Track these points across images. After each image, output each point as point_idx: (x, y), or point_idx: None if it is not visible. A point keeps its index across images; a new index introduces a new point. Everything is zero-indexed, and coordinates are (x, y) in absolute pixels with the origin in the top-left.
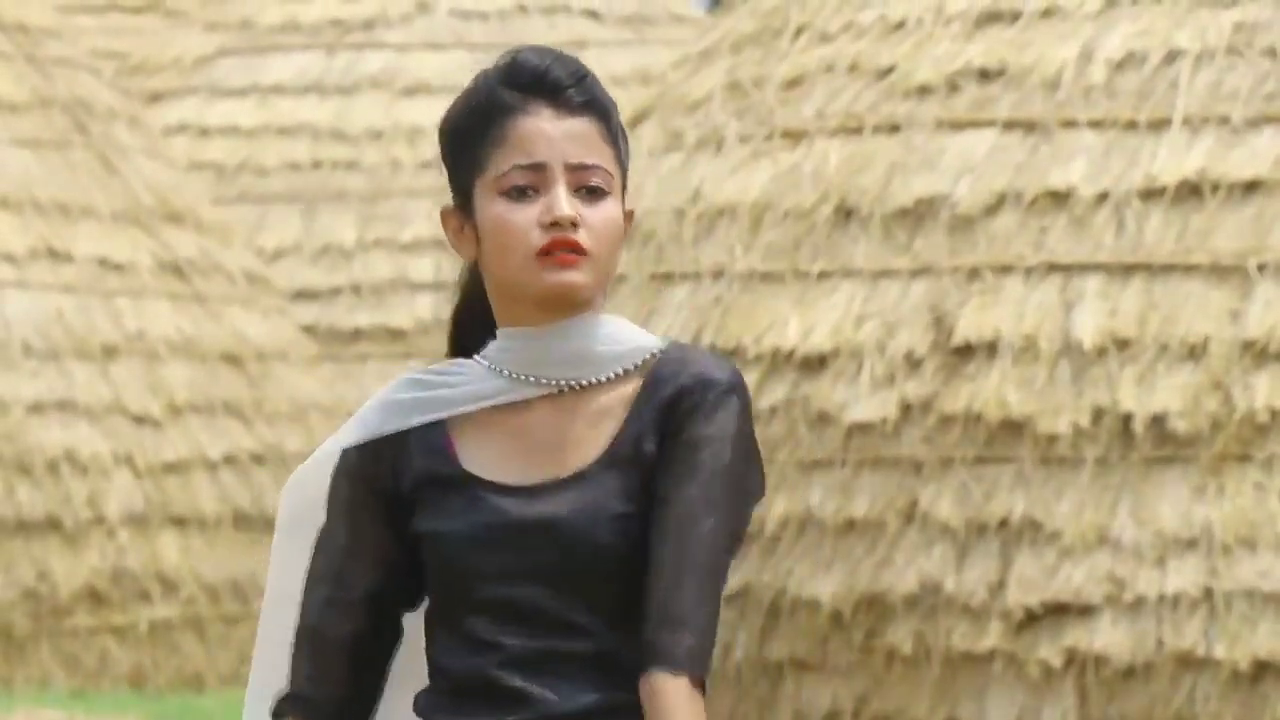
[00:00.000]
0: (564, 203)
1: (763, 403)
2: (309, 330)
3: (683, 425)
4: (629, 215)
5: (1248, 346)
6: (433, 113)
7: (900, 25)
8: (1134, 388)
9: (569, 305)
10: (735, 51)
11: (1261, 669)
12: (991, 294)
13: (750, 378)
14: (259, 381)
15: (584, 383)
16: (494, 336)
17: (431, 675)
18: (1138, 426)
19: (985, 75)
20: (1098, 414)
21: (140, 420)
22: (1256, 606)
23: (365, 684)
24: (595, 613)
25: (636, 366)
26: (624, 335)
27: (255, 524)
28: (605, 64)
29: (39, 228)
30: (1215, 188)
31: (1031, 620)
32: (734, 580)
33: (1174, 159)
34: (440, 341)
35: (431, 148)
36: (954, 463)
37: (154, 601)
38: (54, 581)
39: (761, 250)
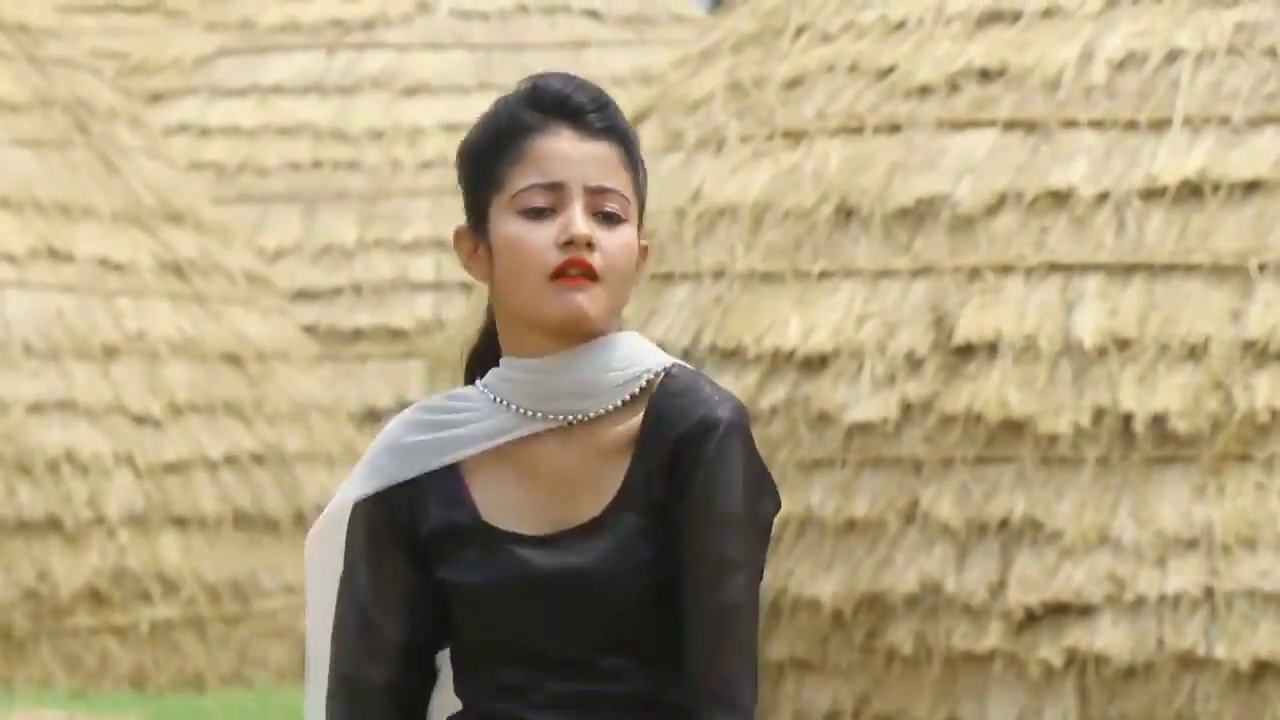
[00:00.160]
0: (580, 222)
1: (763, 403)
2: (309, 330)
3: (691, 477)
4: (644, 250)
5: (1248, 346)
6: (433, 113)
7: (901, 25)
8: (1135, 388)
9: (578, 333)
10: (736, 51)
11: (1262, 669)
12: (992, 294)
13: (750, 378)
14: (259, 381)
15: (590, 415)
16: None
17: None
18: (1138, 426)
19: (986, 75)
20: (1098, 414)
21: (141, 420)
22: (1257, 606)
23: None
24: (626, 656)
25: (641, 391)
26: (630, 359)
27: (255, 524)
28: (606, 64)
29: (39, 228)
30: (1216, 188)
31: (1032, 620)
32: None
33: (1175, 159)
34: (440, 342)
35: (432, 147)
36: (954, 463)
37: (154, 601)
38: (54, 581)
39: (762, 250)
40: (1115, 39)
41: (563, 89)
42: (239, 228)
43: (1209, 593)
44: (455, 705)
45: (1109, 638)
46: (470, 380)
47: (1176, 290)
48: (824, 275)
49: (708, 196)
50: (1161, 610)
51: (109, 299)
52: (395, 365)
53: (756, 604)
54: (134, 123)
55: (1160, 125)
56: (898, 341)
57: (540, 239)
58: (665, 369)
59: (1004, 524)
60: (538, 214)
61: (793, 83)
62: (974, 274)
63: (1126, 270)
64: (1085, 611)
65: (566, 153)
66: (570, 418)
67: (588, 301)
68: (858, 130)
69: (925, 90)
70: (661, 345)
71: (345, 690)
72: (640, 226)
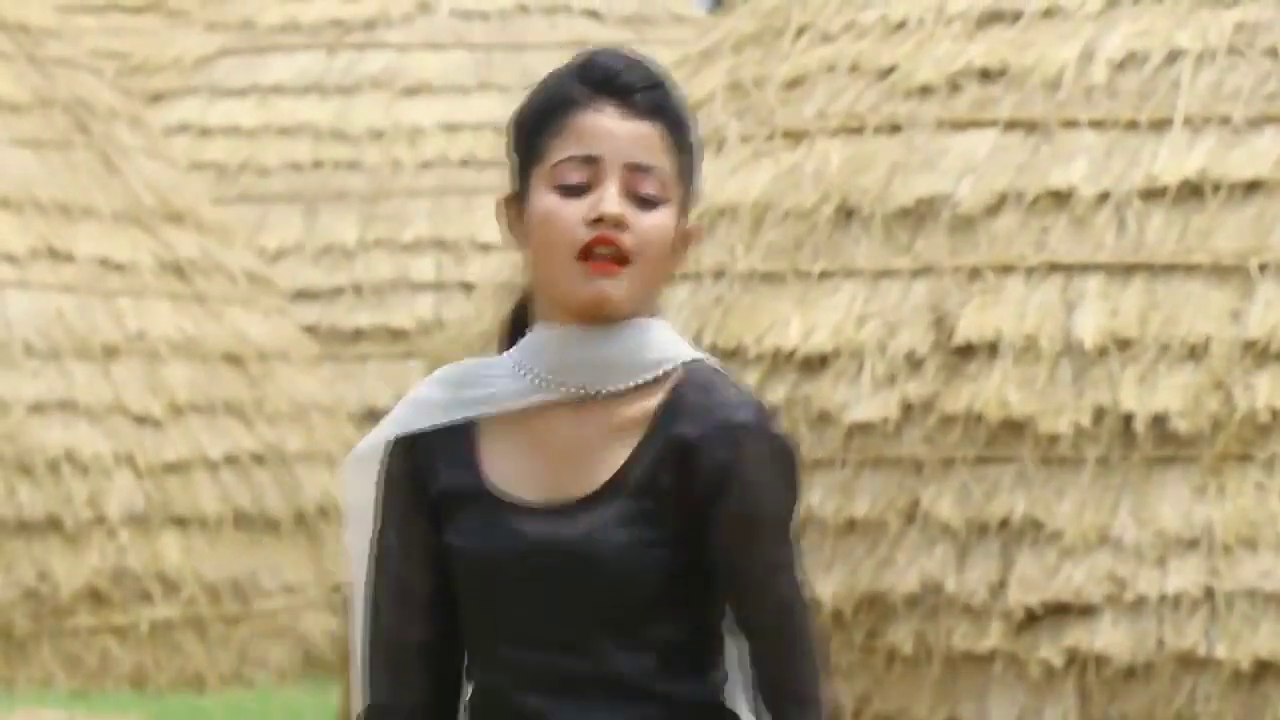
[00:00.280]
0: (612, 200)
1: None
2: (310, 330)
3: (721, 486)
4: (694, 231)
5: (1249, 346)
6: (433, 113)
7: (901, 25)
8: (1135, 388)
9: (603, 317)
10: (736, 51)
11: (1262, 669)
12: (992, 294)
13: (751, 378)
14: (260, 381)
15: (605, 390)
16: None
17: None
18: (1139, 426)
19: (986, 75)
20: (1099, 414)
21: (141, 420)
22: (1258, 606)
23: (444, 688)
24: (610, 636)
25: (658, 379)
26: (654, 344)
27: (256, 524)
28: None
29: (40, 228)
30: (1216, 188)
31: (1032, 620)
32: None
33: (1175, 159)
34: (440, 342)
35: (432, 147)
36: (955, 463)
37: (155, 601)
38: (55, 581)
39: (762, 250)
40: (1116, 39)
41: (613, 65)
42: (239, 228)
43: (1209, 593)
44: None
45: (1109, 638)
46: (504, 343)
47: (1177, 290)
48: (824, 275)
49: (708, 196)
50: (1162, 610)
51: (109, 299)
52: (395, 365)
53: (805, 598)
54: (134, 123)
55: (1161, 125)
56: (898, 341)
57: (571, 214)
58: (688, 361)
59: (1004, 524)
60: (573, 190)
61: (793, 83)
62: (974, 274)
63: (1127, 270)
64: (1086, 611)
65: (607, 129)
66: (585, 390)
67: (613, 288)
68: (858, 130)
69: (926, 90)
70: None
71: (384, 653)
72: (685, 211)
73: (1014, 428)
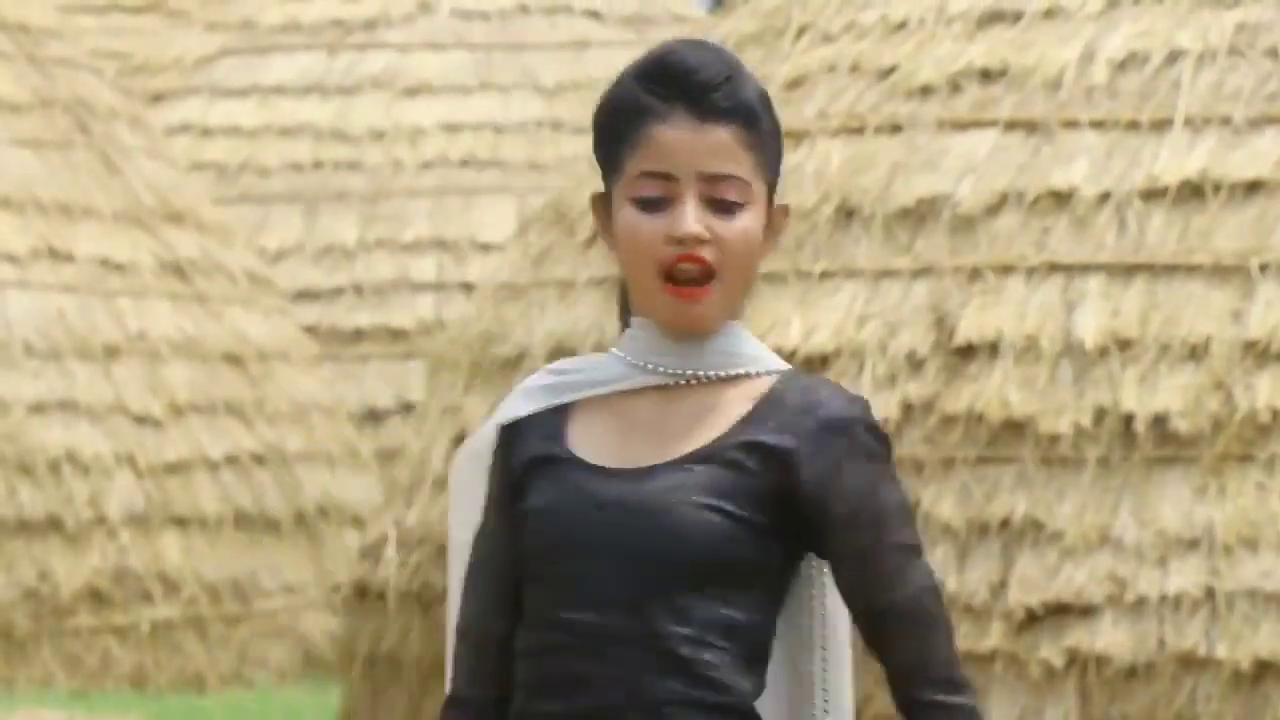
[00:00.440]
0: (690, 218)
1: None
2: (310, 330)
3: (835, 482)
4: (783, 210)
5: (1249, 347)
6: (433, 113)
7: (902, 25)
8: (1136, 388)
9: (692, 335)
10: (737, 51)
11: (1263, 669)
12: (993, 294)
13: None
14: (260, 382)
15: (697, 376)
16: None
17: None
18: (1139, 427)
19: (987, 75)
20: (1099, 414)
21: (142, 420)
22: (1258, 607)
23: None
24: (659, 597)
25: (751, 375)
26: (744, 343)
27: (256, 524)
28: (607, 64)
29: (40, 228)
30: (1217, 188)
31: (1033, 620)
32: None
33: (1176, 159)
34: (440, 342)
35: (433, 147)
36: (955, 463)
37: (155, 602)
38: (55, 581)
39: None
40: (1116, 39)
41: (683, 66)
42: (240, 228)
43: (1210, 593)
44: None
45: (1110, 638)
46: (623, 317)
47: (1178, 290)
48: (825, 275)
49: None
50: (1162, 610)
51: (110, 299)
52: (396, 365)
53: (937, 582)
54: (135, 123)
55: (1161, 125)
56: (899, 342)
57: (651, 231)
58: (783, 371)
59: (1005, 524)
60: (651, 203)
61: (794, 83)
62: (975, 274)
63: (1127, 270)
64: (1086, 612)
65: (680, 141)
66: (676, 374)
67: (699, 312)
68: (859, 130)
69: (926, 90)
70: None
71: (468, 644)
72: (771, 198)
73: (1014, 428)
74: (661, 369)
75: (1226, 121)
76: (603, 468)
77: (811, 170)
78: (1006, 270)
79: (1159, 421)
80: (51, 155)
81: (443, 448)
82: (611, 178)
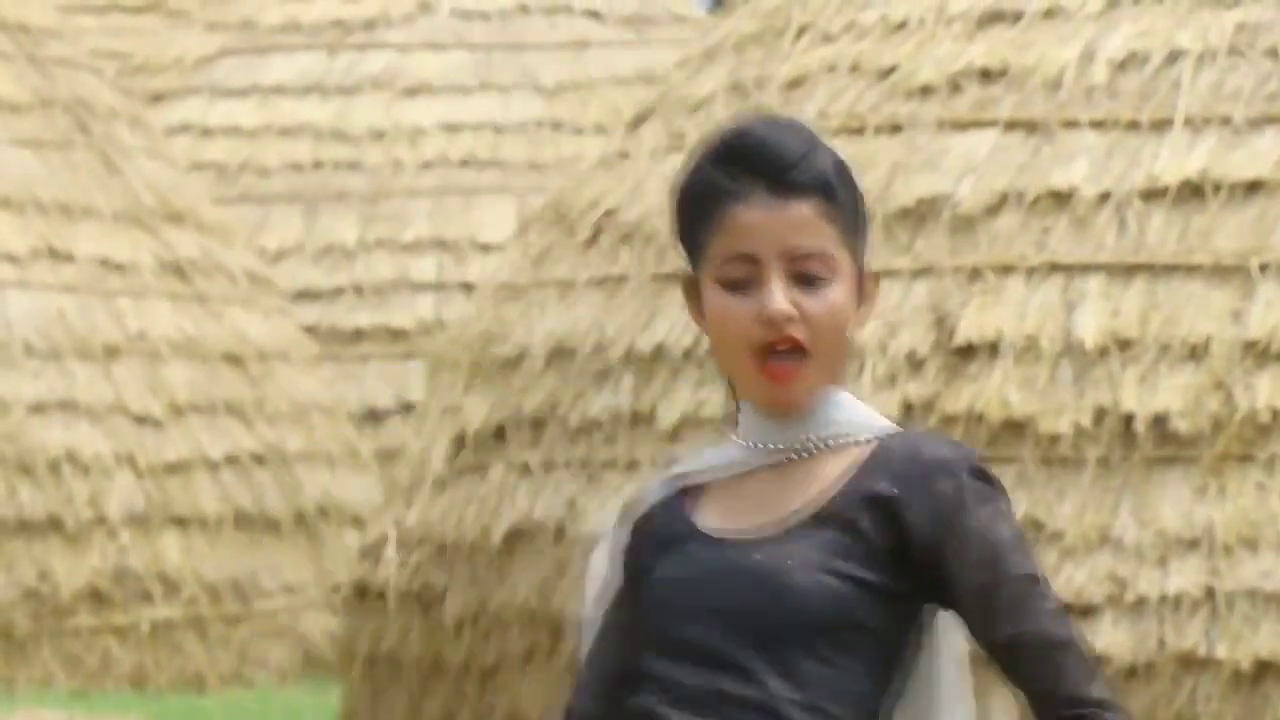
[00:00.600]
0: (778, 298)
1: None
2: (310, 330)
3: (948, 528)
4: (874, 277)
5: (1249, 347)
6: (434, 113)
7: (902, 25)
8: (1136, 388)
9: (789, 414)
10: (737, 52)
11: (1263, 669)
12: (993, 294)
13: None
14: (260, 382)
15: (808, 449)
16: None
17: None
18: (1139, 427)
19: (987, 75)
20: (1099, 414)
21: (142, 420)
22: (1258, 607)
23: None
24: (771, 661)
25: (859, 441)
26: (846, 409)
27: (256, 524)
28: (607, 64)
29: (40, 228)
30: (1217, 188)
31: None
32: None
33: (1176, 159)
34: (440, 342)
35: (433, 147)
36: None
37: (155, 602)
38: (55, 582)
39: None
40: (1116, 39)
41: (757, 144)
42: (240, 228)
43: (1210, 593)
44: None
45: (1110, 638)
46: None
47: (1178, 290)
48: None
49: None
50: (1162, 610)
51: (110, 299)
52: (396, 366)
53: (1063, 609)
54: (135, 123)
55: (1161, 125)
56: (898, 341)
57: (742, 314)
58: (890, 432)
59: None
60: (738, 285)
61: (794, 83)
62: (975, 274)
63: (1128, 270)
64: (1086, 612)
65: (761, 221)
66: (788, 450)
67: (793, 389)
68: (859, 130)
69: (926, 90)
70: (662, 346)
71: (571, 713)
72: (860, 265)
73: (1014, 428)
74: (770, 446)
75: (1226, 121)
76: (719, 537)
77: None
78: (1006, 270)
79: (1159, 421)
80: (51, 155)
81: (443, 448)
82: (696, 262)
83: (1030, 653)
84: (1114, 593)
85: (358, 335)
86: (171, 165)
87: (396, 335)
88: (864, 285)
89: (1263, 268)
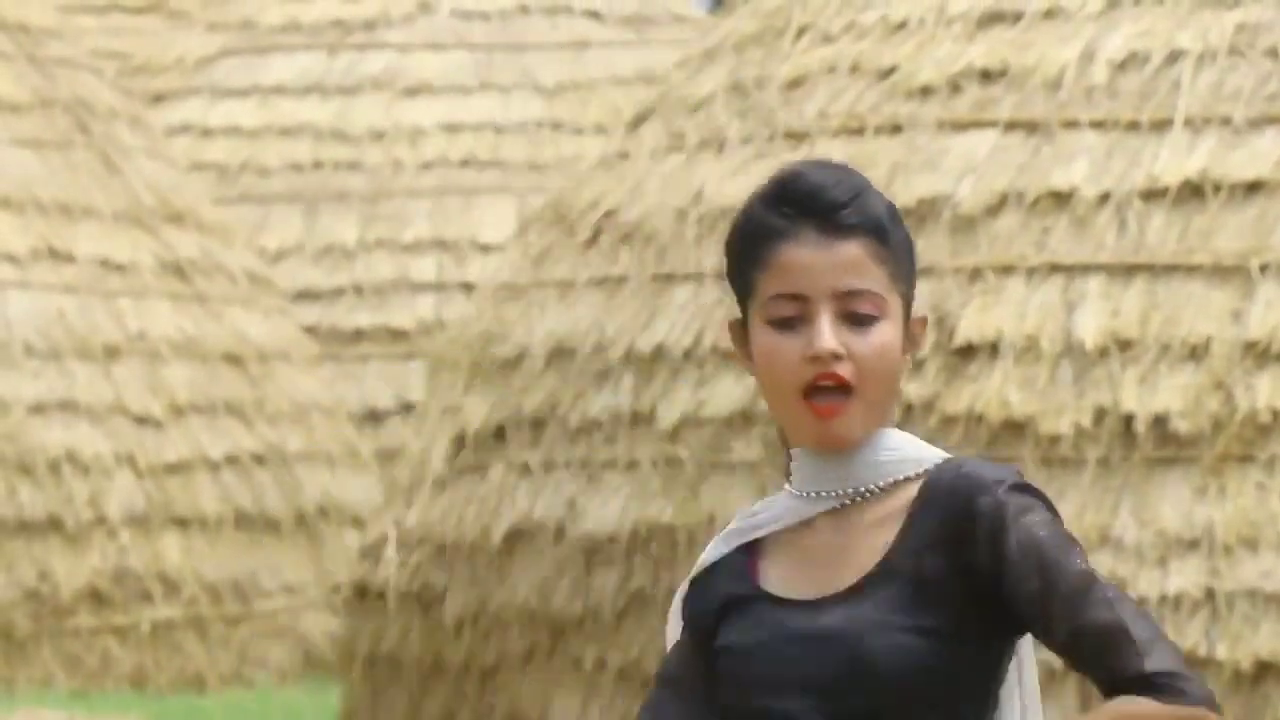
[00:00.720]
0: (826, 336)
1: (765, 405)
2: (310, 330)
3: (996, 539)
4: (921, 322)
5: (1249, 347)
6: (434, 113)
7: (902, 26)
8: (1136, 388)
9: (839, 452)
10: (737, 52)
11: (1263, 669)
12: (993, 294)
13: (752, 380)
14: (260, 382)
15: (862, 494)
16: None
17: None
18: (1139, 427)
19: (987, 76)
20: (1099, 414)
21: (142, 420)
22: (1258, 607)
23: None
24: None
25: (912, 477)
26: (900, 446)
27: (256, 524)
28: (607, 64)
29: (40, 228)
30: (1217, 188)
31: None
32: None
33: (1176, 159)
34: (441, 342)
35: (433, 147)
36: None
37: (155, 602)
38: (55, 582)
39: None
40: (1116, 39)
41: (808, 185)
42: (240, 228)
43: (1210, 593)
44: None
45: None
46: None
47: (1178, 291)
48: None
49: (709, 197)
50: (1163, 611)
51: (110, 299)
52: (396, 366)
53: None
54: (135, 123)
55: (1161, 126)
56: None
57: (789, 352)
58: (937, 459)
59: None
60: (787, 323)
61: (794, 83)
62: (975, 274)
63: (1128, 271)
64: None
65: (811, 260)
66: (842, 496)
67: (840, 426)
68: (859, 131)
69: (926, 91)
70: (662, 346)
71: None
72: (909, 305)
73: (1015, 428)
74: (824, 494)
75: (1226, 121)
76: (789, 600)
77: None
78: (1006, 270)
79: (1159, 422)
80: (51, 155)
81: (443, 448)
82: (746, 302)
83: (1091, 645)
84: None
85: (358, 335)
86: (172, 165)
87: (396, 335)
88: (911, 329)
89: (1263, 268)
